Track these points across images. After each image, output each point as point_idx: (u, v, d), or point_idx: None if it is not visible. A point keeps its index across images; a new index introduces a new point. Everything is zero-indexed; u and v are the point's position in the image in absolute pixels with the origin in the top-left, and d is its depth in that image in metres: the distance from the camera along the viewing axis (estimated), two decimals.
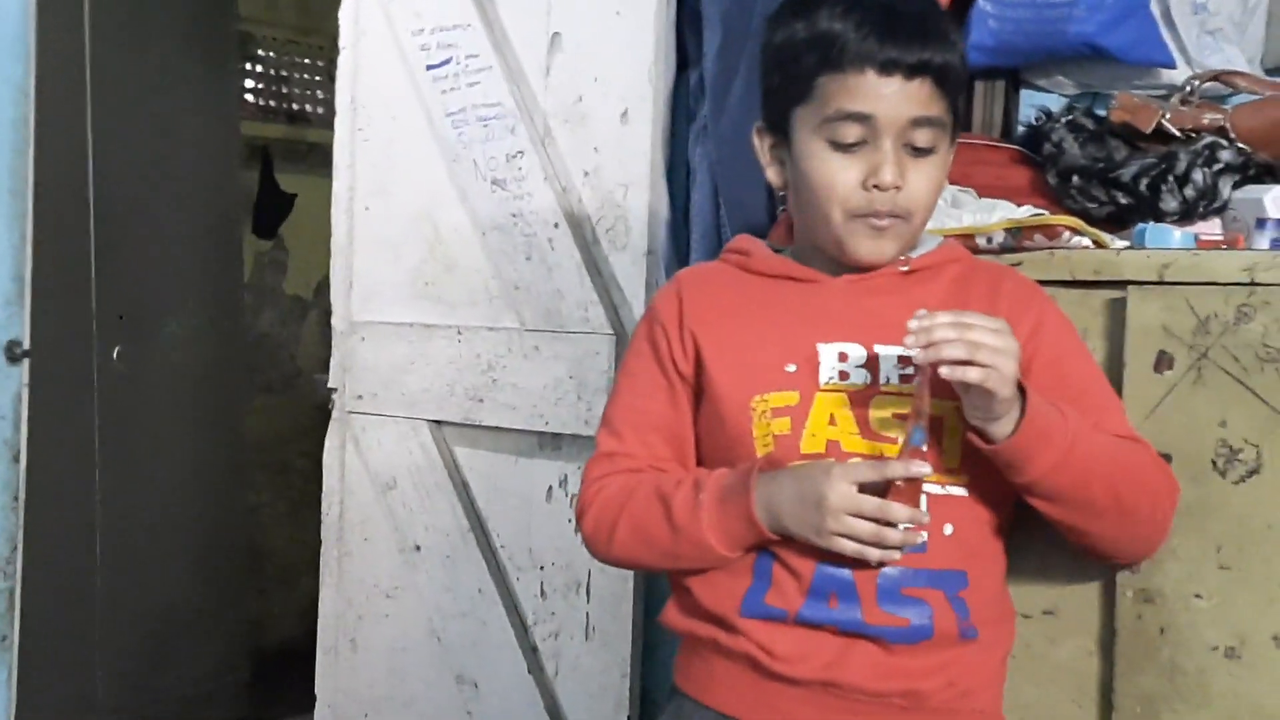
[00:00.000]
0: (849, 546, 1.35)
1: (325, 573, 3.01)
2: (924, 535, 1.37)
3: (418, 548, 2.82)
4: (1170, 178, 1.74)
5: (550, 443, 2.62)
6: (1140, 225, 1.68)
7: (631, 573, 2.49)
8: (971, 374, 1.29)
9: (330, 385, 2.97)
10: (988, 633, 1.43)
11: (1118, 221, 1.79)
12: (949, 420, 1.38)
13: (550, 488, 2.62)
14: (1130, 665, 1.54)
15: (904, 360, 1.40)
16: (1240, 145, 1.76)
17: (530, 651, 2.63)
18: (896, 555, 1.36)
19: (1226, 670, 1.49)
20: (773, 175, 1.50)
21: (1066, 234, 1.66)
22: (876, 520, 1.34)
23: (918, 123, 1.39)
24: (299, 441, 4.56)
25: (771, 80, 1.47)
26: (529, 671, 2.62)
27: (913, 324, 1.31)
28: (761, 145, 1.51)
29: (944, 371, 1.30)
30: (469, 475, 2.77)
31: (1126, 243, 1.68)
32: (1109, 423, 1.45)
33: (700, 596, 1.45)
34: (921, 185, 1.41)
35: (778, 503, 1.37)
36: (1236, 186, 1.74)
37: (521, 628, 2.65)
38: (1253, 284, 1.48)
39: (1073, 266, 1.59)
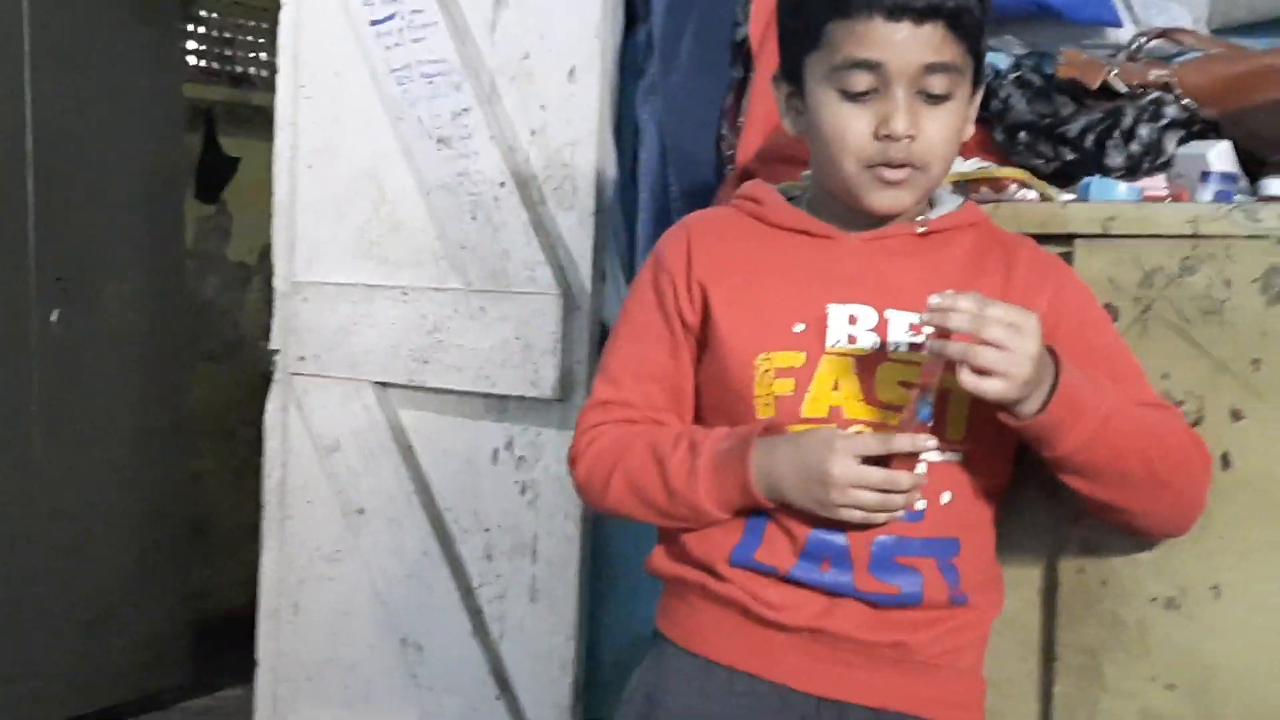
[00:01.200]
0: (855, 516, 1.34)
1: (267, 536, 2.98)
2: (922, 499, 1.37)
3: (361, 511, 2.79)
4: (1116, 133, 1.74)
5: (496, 405, 2.60)
6: (1085, 179, 1.68)
7: (578, 535, 2.48)
8: (986, 386, 1.27)
9: (272, 347, 2.94)
10: (977, 598, 1.43)
11: (1064, 177, 1.79)
12: (956, 390, 1.33)
13: (496, 450, 2.60)
14: (1072, 617, 1.54)
15: (916, 328, 1.37)
16: (1185, 102, 1.76)
17: (475, 614, 2.62)
18: (900, 514, 1.36)
19: (1166, 620, 1.50)
20: (788, 125, 1.47)
21: (1013, 187, 1.66)
22: (881, 489, 1.33)
23: (931, 69, 1.34)
24: (242, 409, 4.51)
25: (785, 28, 1.44)
26: (473, 634, 2.60)
27: (934, 300, 1.28)
28: (779, 95, 1.47)
29: (963, 379, 1.27)
30: (414, 438, 2.74)
31: (1073, 196, 1.68)
32: (1136, 391, 1.42)
33: (688, 544, 1.44)
34: (937, 134, 1.36)
35: (778, 473, 1.36)
36: (1181, 142, 1.74)
37: (466, 590, 2.64)
38: (1196, 236, 1.48)
39: (1019, 219, 1.58)
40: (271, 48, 4.57)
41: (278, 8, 2.96)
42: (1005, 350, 1.26)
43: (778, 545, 1.39)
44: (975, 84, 1.42)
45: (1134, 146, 1.73)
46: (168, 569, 3.92)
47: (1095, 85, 1.80)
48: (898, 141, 1.34)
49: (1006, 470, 1.45)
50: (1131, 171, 1.74)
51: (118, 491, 3.73)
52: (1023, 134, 1.83)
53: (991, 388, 1.27)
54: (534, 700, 2.54)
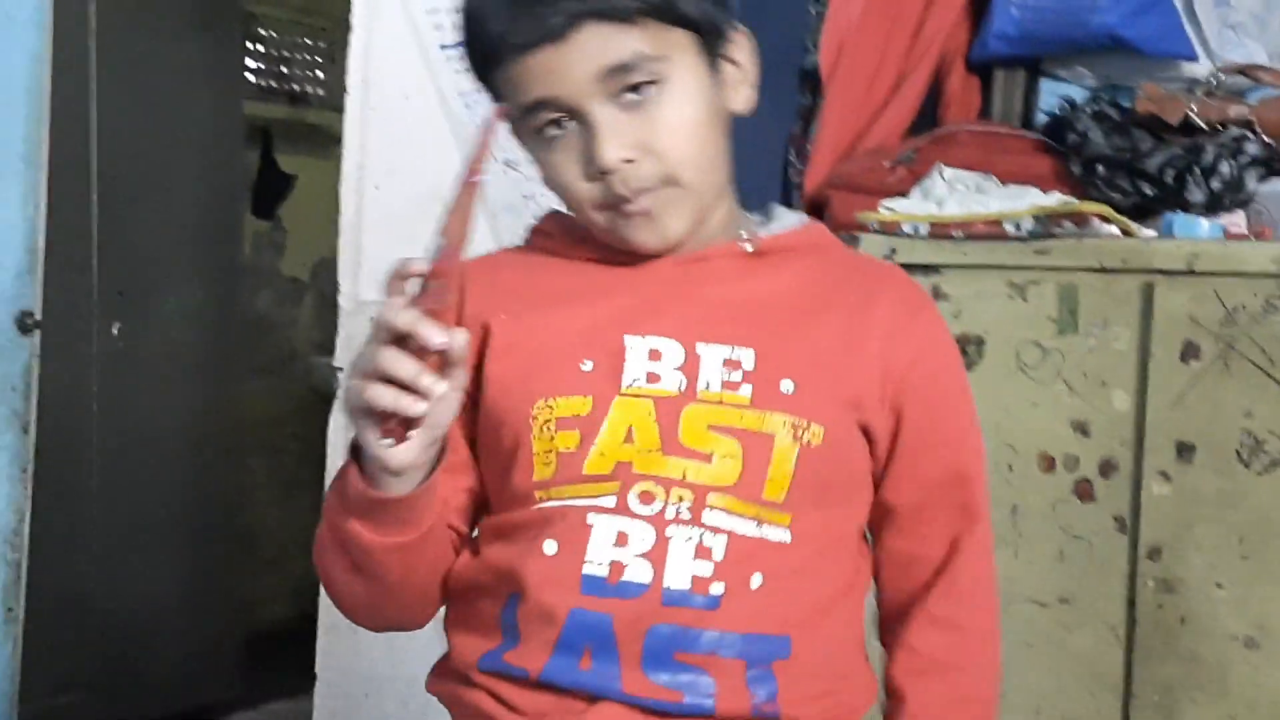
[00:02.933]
0: (379, 395, 1.02)
1: None
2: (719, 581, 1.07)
3: None
4: (1196, 169, 1.75)
5: None
6: (1168, 215, 1.69)
7: None
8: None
9: (336, 364, 2.97)
10: (804, 711, 1.10)
11: (1142, 212, 1.80)
12: (779, 438, 1.08)
13: None
14: (1149, 654, 1.55)
15: (730, 364, 1.10)
16: (1266, 139, 1.77)
17: None
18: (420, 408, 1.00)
19: (1246, 659, 1.50)
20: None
21: (1095, 222, 1.66)
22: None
23: (612, 73, 1.07)
24: (292, 423, 4.55)
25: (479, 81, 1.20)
26: None
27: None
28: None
29: None
30: None
31: (1155, 232, 1.68)
32: (965, 520, 1.16)
33: (451, 654, 1.17)
34: (666, 138, 1.08)
35: None
36: (1262, 180, 1.75)
37: None
38: None
39: (1101, 254, 1.59)
40: (328, 67, 4.64)
41: (337, 28, 3.00)
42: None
43: (530, 639, 1.10)
44: (710, 49, 1.12)
45: (1214, 183, 1.74)
46: (217, 581, 3.94)
47: (1175, 121, 1.81)
48: (614, 173, 1.08)
49: (855, 553, 1.16)
50: (1212, 208, 1.74)
51: (170, 502, 3.76)
52: (1101, 168, 1.84)
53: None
54: None
